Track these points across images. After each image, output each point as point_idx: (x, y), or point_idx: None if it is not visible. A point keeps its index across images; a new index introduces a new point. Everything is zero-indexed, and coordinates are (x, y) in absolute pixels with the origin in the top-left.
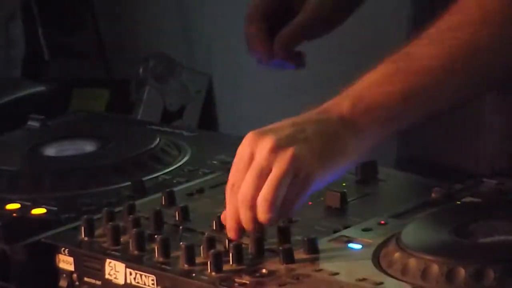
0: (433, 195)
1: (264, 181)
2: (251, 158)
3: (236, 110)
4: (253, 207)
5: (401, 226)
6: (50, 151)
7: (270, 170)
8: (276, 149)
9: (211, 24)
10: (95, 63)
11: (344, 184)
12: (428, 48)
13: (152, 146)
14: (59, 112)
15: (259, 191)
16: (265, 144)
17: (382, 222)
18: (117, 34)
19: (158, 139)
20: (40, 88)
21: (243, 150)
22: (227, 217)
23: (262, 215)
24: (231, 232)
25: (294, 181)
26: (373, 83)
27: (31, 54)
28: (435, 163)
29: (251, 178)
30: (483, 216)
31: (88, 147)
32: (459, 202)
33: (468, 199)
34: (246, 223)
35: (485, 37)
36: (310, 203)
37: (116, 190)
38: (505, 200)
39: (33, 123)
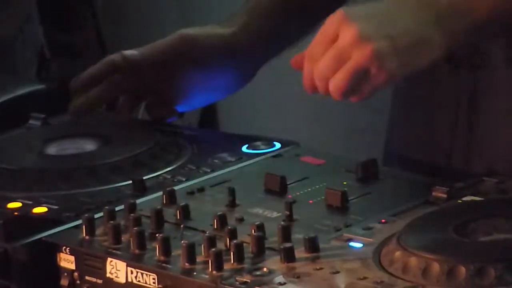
0: (433, 194)
1: (341, 66)
2: (335, 37)
3: (237, 109)
4: (326, 85)
5: (402, 225)
6: (51, 149)
7: (350, 57)
8: (359, 40)
9: (212, 24)
10: (96, 62)
11: (345, 183)
12: None
13: (153, 145)
14: (60, 110)
15: (334, 73)
16: (350, 31)
17: (383, 220)
18: (118, 33)
19: (158, 138)
20: (41, 87)
21: (329, 26)
22: (304, 78)
23: (333, 95)
24: (307, 88)
25: (370, 75)
26: None
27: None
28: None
29: (329, 59)
30: (483, 215)
31: (89, 145)
32: (459, 201)
33: (468, 198)
34: (321, 90)
35: None
36: (310, 201)
37: (117, 189)
38: (505, 199)
39: (34, 122)
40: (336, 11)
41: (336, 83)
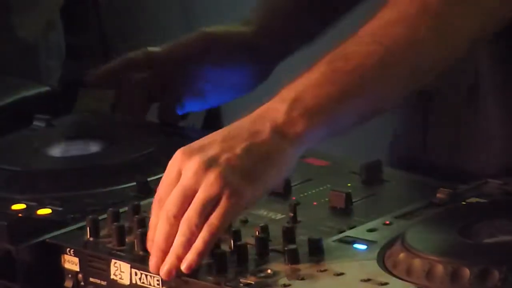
0: (438, 195)
1: (189, 201)
2: (178, 176)
3: (241, 111)
4: (174, 225)
5: (406, 226)
6: (56, 151)
7: (196, 191)
8: (202, 170)
9: (215, 25)
10: (100, 64)
11: (349, 184)
12: (365, 46)
13: (157, 146)
14: (65, 112)
15: (184, 211)
16: (191, 165)
17: (387, 222)
18: (122, 35)
19: (163, 139)
20: (46, 89)
21: (171, 167)
22: (150, 227)
23: (184, 237)
24: (149, 247)
25: (222, 202)
26: (311, 84)
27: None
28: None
29: (175, 197)
30: (488, 216)
31: (93, 147)
32: (464, 203)
33: (473, 199)
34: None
35: (422, 29)
36: (315, 203)
37: (121, 190)
38: (510, 201)
39: (38, 123)
40: (174, 154)
41: (188, 218)
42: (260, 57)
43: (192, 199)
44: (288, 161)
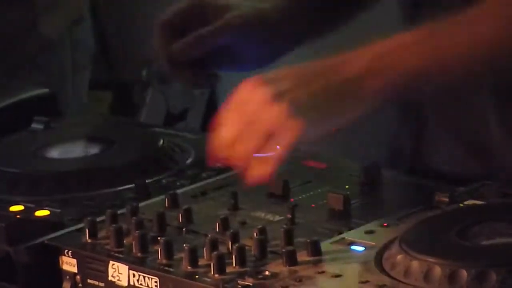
0: (436, 197)
1: (252, 130)
2: (244, 104)
3: None
4: (231, 150)
5: (404, 228)
6: (54, 153)
7: (260, 119)
8: (269, 102)
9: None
10: (99, 65)
11: (347, 186)
12: (458, 29)
13: (156, 148)
14: (65, 113)
15: (242, 139)
16: (259, 96)
17: (385, 224)
18: (121, 37)
19: (161, 141)
20: (44, 90)
21: (239, 94)
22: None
23: (240, 161)
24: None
25: (282, 135)
26: (397, 45)
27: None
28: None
29: (238, 123)
30: (485, 218)
31: (92, 149)
32: (461, 205)
33: (470, 201)
34: (226, 156)
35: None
36: (313, 205)
37: (120, 192)
38: (507, 203)
39: (37, 125)
40: (246, 80)
41: (245, 145)
42: (272, 33)
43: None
44: (351, 114)
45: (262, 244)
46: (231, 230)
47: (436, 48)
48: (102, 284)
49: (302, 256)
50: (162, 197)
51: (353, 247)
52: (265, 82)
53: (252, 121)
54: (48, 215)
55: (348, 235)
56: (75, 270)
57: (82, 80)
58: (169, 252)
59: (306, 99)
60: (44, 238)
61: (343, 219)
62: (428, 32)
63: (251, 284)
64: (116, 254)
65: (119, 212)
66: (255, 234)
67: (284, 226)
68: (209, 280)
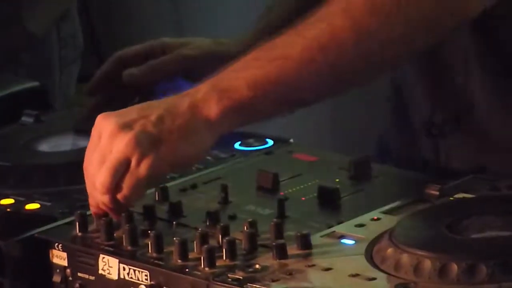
0: (426, 191)
1: (106, 165)
2: (99, 139)
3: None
4: (95, 188)
5: (394, 222)
6: (44, 146)
7: (111, 152)
8: (117, 132)
9: (206, 22)
10: (88, 59)
11: (337, 180)
12: (291, 37)
13: None
14: (53, 107)
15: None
16: (107, 127)
17: (375, 218)
18: (111, 31)
19: None
20: (34, 84)
21: (93, 132)
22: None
23: (100, 196)
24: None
25: (132, 167)
26: (232, 69)
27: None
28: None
29: (94, 160)
30: (475, 212)
31: (82, 142)
32: (452, 198)
33: (460, 195)
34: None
35: (340, 27)
36: (303, 198)
37: None
38: (497, 196)
39: (27, 119)
40: (97, 118)
41: (100, 179)
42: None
43: None
44: (200, 140)
45: (252, 237)
46: (221, 224)
47: (259, 68)
48: (92, 278)
49: (292, 249)
50: (152, 190)
51: (343, 240)
52: (111, 115)
53: (105, 155)
54: (38, 208)
55: (338, 229)
56: (65, 263)
57: (71, 73)
58: (159, 245)
59: (146, 129)
60: (35, 232)
61: (333, 212)
62: (256, 53)
63: (241, 277)
64: (106, 248)
65: None
66: (245, 227)
67: (274, 219)
68: (199, 273)
